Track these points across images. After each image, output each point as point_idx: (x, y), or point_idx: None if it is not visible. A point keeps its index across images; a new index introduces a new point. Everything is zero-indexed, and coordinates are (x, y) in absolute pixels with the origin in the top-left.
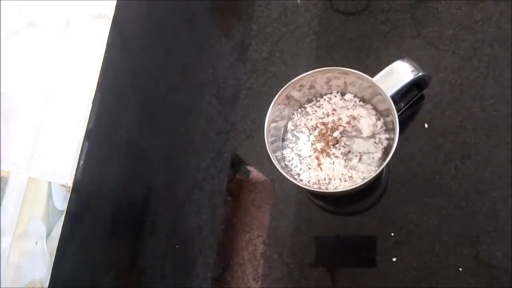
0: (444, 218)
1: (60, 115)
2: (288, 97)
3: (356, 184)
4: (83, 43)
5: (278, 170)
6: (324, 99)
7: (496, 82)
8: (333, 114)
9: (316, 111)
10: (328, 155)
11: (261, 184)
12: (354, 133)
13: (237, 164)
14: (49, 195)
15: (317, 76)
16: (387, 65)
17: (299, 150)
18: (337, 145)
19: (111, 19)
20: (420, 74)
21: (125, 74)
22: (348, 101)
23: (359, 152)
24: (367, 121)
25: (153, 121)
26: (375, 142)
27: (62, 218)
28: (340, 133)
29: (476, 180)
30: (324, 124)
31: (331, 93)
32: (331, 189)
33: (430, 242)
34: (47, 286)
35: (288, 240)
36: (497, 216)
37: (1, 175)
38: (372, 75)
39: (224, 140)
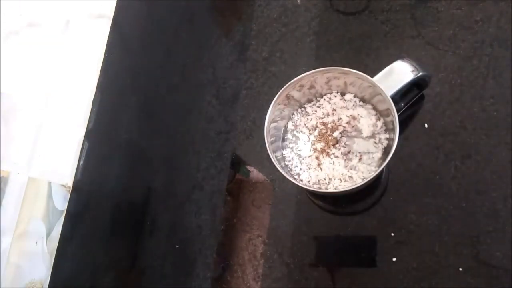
0: (444, 218)
1: (60, 115)
2: (288, 97)
3: (356, 184)
4: (83, 43)
5: (278, 170)
6: (324, 99)
7: (496, 82)
8: (333, 114)
9: (316, 111)
10: (328, 155)
11: (261, 184)
12: (354, 133)
13: (237, 164)
14: (49, 195)
15: (317, 76)
16: (387, 65)
17: (299, 150)
18: (337, 145)
19: (111, 19)
20: (420, 74)
21: (125, 74)
22: (348, 101)
23: (359, 152)
24: (367, 121)
25: (153, 121)
26: (375, 142)
27: (62, 218)
28: (340, 133)
29: (476, 180)
30: (324, 124)
31: (331, 93)
32: (331, 189)
33: (430, 242)
34: (47, 286)
35: (288, 240)
36: (497, 216)
37: (1, 175)
38: (372, 75)
39: (224, 140)
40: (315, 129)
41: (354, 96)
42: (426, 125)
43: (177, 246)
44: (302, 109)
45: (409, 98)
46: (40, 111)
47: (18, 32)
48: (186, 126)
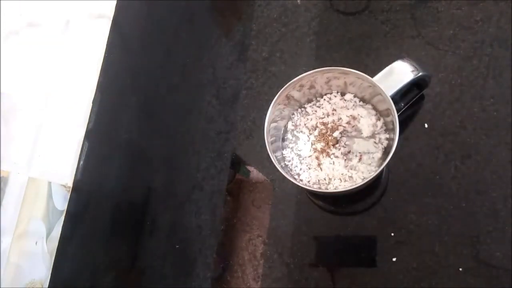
0: (444, 218)
1: (60, 115)
2: (288, 97)
3: (356, 184)
4: (83, 43)
5: (278, 170)
6: (324, 99)
7: (496, 82)
8: (333, 114)
9: (316, 111)
10: (328, 155)
11: (261, 184)
12: (354, 133)
13: (237, 164)
14: (49, 195)
15: (317, 76)
16: (387, 65)
17: (299, 150)
18: (337, 145)
19: (111, 19)
20: (420, 74)
21: (125, 74)
22: (348, 101)
23: (359, 152)
24: (367, 121)
25: (153, 121)
26: (375, 142)
27: (62, 218)
28: (340, 133)
29: (476, 180)
30: (324, 124)
31: (331, 93)
32: (331, 189)
33: (430, 242)
34: (47, 286)
35: (288, 240)
36: (497, 216)
37: (1, 175)
38: (372, 75)
39: (224, 140)
40: (315, 129)
41: (354, 96)
42: (426, 125)
43: (177, 246)
44: (302, 109)
45: (409, 98)
46: (40, 111)
47: (18, 32)
48: (186, 126)
